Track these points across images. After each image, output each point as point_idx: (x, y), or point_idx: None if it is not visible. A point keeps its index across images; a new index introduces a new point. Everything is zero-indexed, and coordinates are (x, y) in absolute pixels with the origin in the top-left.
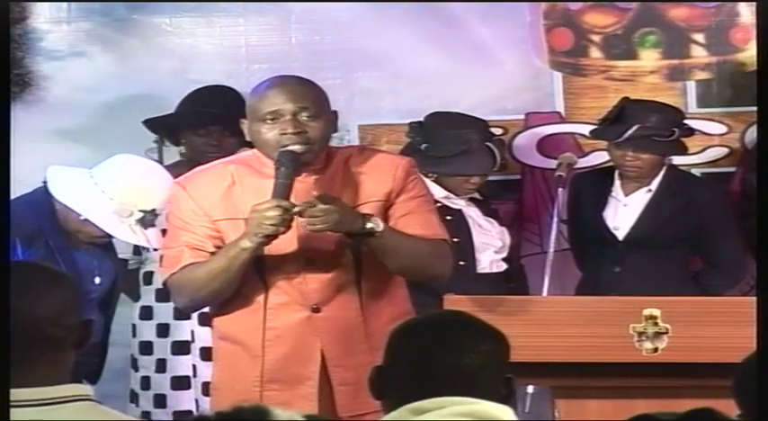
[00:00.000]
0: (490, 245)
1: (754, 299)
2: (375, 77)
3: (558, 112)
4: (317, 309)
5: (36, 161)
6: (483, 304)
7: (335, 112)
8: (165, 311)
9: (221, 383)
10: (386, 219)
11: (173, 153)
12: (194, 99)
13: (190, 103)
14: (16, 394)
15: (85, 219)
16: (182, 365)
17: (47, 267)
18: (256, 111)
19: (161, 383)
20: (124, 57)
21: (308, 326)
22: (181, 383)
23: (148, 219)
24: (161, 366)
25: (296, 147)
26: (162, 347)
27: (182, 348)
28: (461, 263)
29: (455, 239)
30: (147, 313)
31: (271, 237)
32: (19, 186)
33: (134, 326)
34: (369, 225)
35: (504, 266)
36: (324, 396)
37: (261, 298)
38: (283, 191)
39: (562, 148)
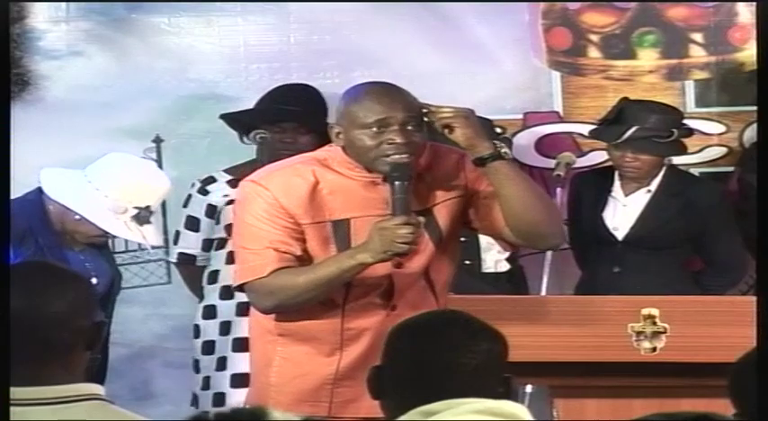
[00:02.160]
0: (494, 244)
1: (754, 298)
2: (374, 77)
3: (557, 112)
4: (394, 307)
5: (35, 160)
6: (482, 303)
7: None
8: (227, 309)
9: (285, 381)
10: (471, 214)
11: (172, 153)
12: (274, 96)
13: (269, 101)
14: (27, 393)
15: (81, 219)
16: (241, 362)
17: (60, 267)
18: (359, 117)
19: (221, 382)
20: (123, 56)
21: (385, 325)
22: (241, 381)
23: (143, 215)
24: (221, 364)
25: (404, 158)
26: (223, 345)
27: (242, 345)
28: (467, 262)
29: (462, 239)
30: (210, 312)
31: (402, 256)
32: (18, 186)
33: (196, 327)
34: (498, 146)
35: (507, 266)
36: None
37: (340, 298)
38: (406, 206)
39: (561, 148)
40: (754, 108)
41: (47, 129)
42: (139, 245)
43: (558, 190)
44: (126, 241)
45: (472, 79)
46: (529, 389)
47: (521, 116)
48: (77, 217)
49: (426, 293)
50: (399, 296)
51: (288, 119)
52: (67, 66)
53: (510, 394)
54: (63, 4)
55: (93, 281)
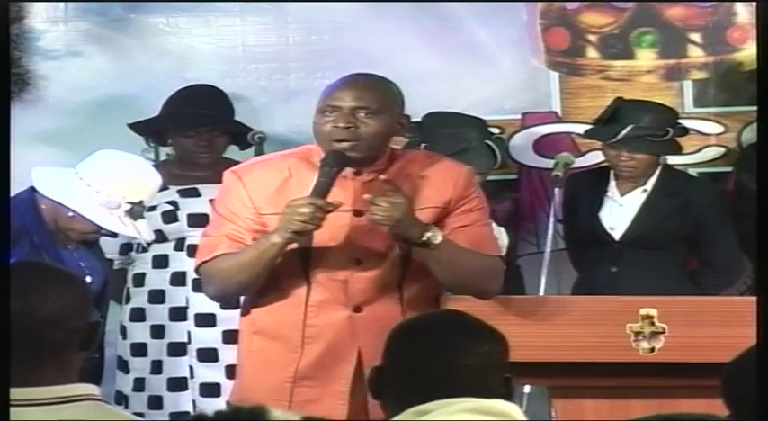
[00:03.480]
0: None
1: (752, 298)
2: None
3: (555, 112)
4: (358, 309)
5: (33, 160)
6: (480, 304)
7: (407, 117)
8: (159, 313)
9: (253, 378)
10: (442, 227)
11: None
12: (179, 100)
13: (175, 104)
14: (23, 393)
15: (74, 216)
16: (178, 367)
17: (54, 268)
18: (320, 102)
19: (156, 385)
20: (121, 56)
21: (347, 326)
22: (178, 384)
23: (137, 210)
24: (156, 368)
25: (343, 145)
26: (157, 349)
27: (178, 350)
28: None
29: None
30: (139, 315)
31: (299, 234)
32: (18, 186)
33: (123, 328)
34: (427, 235)
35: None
36: (356, 396)
37: (303, 294)
38: (321, 189)
39: (559, 148)
40: (753, 108)
41: (46, 130)
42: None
43: (557, 190)
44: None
45: (470, 79)
46: (527, 389)
47: (519, 116)
48: (71, 214)
49: (395, 305)
50: (363, 297)
51: (197, 123)
52: (66, 66)
53: (510, 394)
54: (61, 4)
55: (88, 279)
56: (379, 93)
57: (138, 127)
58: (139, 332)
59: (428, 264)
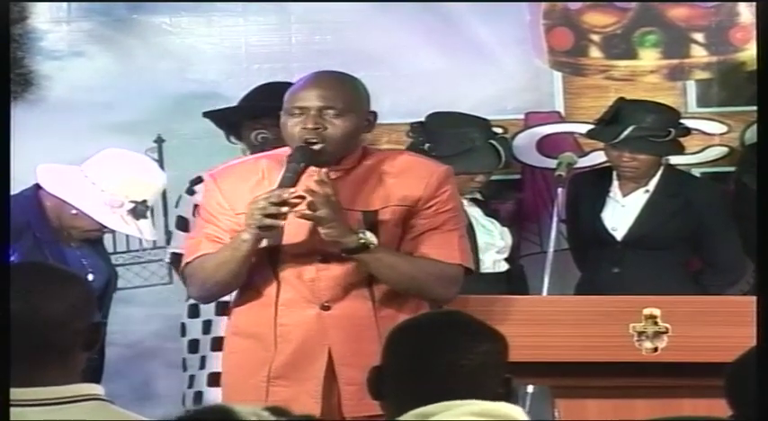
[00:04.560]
0: (493, 245)
1: (754, 298)
2: (375, 77)
3: (558, 112)
4: (326, 307)
5: (36, 160)
6: (482, 304)
7: (374, 113)
8: (208, 308)
9: (232, 379)
10: (406, 227)
11: (173, 153)
12: (255, 94)
13: (250, 98)
14: (26, 393)
15: (78, 213)
16: (218, 361)
17: (57, 268)
18: (287, 104)
19: (201, 380)
20: (124, 56)
21: (316, 324)
22: (217, 380)
23: (140, 209)
24: (202, 363)
25: (311, 143)
26: (205, 344)
27: (219, 344)
28: None
29: None
30: (194, 311)
31: (264, 229)
32: (18, 185)
33: (183, 325)
34: (362, 239)
35: (505, 266)
36: (330, 394)
37: (273, 293)
38: (287, 184)
39: (562, 148)
40: (755, 108)
41: (48, 129)
42: (141, 245)
43: (560, 190)
44: (128, 241)
45: (473, 79)
46: (530, 389)
47: (522, 116)
48: (74, 212)
49: (365, 302)
50: (331, 295)
51: (266, 115)
52: (69, 66)
53: (510, 395)
54: (64, 4)
55: (90, 277)
56: (344, 92)
57: (212, 116)
58: (194, 328)
59: (370, 269)
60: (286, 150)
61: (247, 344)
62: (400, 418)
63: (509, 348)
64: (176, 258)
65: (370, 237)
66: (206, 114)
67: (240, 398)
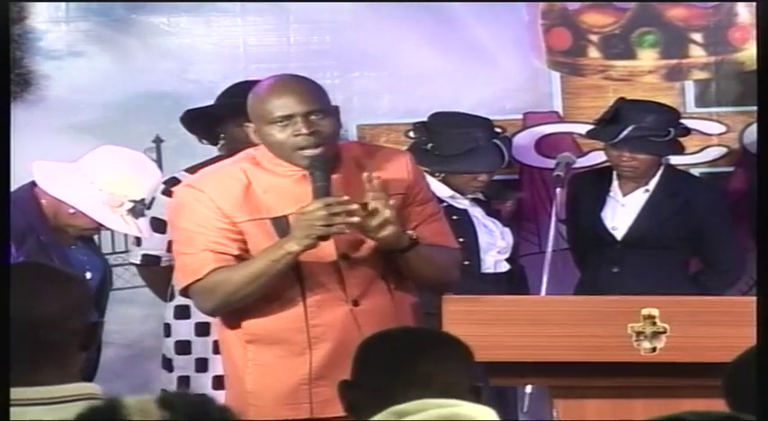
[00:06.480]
0: (494, 245)
1: (753, 298)
2: (373, 77)
3: (557, 112)
4: (356, 303)
5: (36, 160)
6: (481, 303)
7: (337, 107)
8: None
9: (261, 387)
10: (405, 216)
11: (172, 153)
12: (236, 92)
13: (232, 95)
14: (23, 393)
15: (75, 212)
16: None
17: (55, 268)
18: (265, 113)
19: (202, 383)
20: (122, 56)
21: (351, 320)
22: (222, 383)
23: (139, 208)
24: (202, 365)
25: (318, 149)
26: (202, 346)
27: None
28: (466, 263)
29: (461, 239)
30: (183, 312)
31: (323, 239)
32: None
33: (167, 326)
34: (413, 237)
35: (506, 266)
36: None
37: (299, 295)
38: (325, 193)
39: (560, 148)
40: (755, 108)
41: (47, 130)
42: (126, 245)
43: (558, 190)
44: (113, 242)
45: (472, 79)
46: (529, 389)
47: (520, 116)
48: (72, 211)
49: (386, 295)
50: (357, 291)
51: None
52: (68, 66)
53: (481, 402)
54: (63, 4)
55: (88, 275)
56: (319, 93)
57: (190, 116)
58: (183, 329)
59: (408, 263)
60: (256, 153)
61: (274, 351)
62: (376, 418)
63: (474, 356)
64: (151, 259)
65: (414, 233)
66: (189, 112)
67: (275, 404)
